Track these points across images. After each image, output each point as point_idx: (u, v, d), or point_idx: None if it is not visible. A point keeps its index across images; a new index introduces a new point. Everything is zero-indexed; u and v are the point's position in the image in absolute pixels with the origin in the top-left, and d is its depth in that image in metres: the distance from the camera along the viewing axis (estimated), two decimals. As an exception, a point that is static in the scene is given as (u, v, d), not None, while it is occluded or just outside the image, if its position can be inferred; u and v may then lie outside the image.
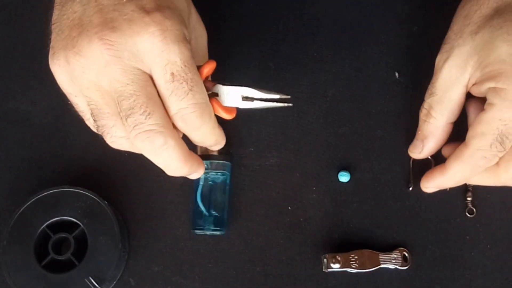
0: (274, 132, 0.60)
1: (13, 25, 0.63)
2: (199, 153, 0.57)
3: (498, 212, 0.58)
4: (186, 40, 0.44)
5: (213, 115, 0.47)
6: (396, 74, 0.61)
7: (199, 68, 0.46)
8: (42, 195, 0.55)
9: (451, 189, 0.57)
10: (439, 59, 0.51)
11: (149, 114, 0.43)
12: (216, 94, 0.49)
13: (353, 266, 0.55)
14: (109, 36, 0.42)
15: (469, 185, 0.58)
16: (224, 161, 0.58)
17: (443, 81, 0.50)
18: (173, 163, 0.46)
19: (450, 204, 0.58)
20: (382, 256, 0.56)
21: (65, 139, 0.60)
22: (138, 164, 0.59)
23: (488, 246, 0.57)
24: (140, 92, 0.43)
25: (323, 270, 0.56)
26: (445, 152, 0.53)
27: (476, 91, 0.49)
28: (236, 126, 0.60)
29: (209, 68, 0.48)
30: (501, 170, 0.49)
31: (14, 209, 0.55)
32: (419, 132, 0.54)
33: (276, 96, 0.49)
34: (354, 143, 0.60)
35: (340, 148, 0.60)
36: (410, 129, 0.59)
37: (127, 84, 0.43)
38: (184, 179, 0.58)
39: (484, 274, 0.56)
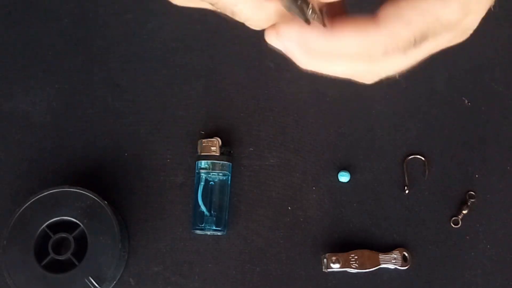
0: (274, 132, 0.60)
1: (13, 25, 0.63)
2: (200, 153, 0.58)
3: (498, 212, 0.58)
4: None
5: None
6: (397, 74, 0.61)
7: None
8: (42, 195, 0.55)
9: (451, 189, 0.57)
10: None
11: None
12: None
13: (353, 266, 0.55)
14: None
15: (468, 199, 0.58)
16: (225, 162, 0.58)
17: None
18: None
19: (450, 204, 0.58)
20: (382, 256, 0.56)
21: (65, 139, 0.60)
22: (138, 164, 0.59)
23: (488, 246, 0.57)
24: None
25: (323, 270, 0.56)
26: None
27: None
28: (236, 126, 0.60)
29: None
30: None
31: (14, 209, 0.55)
32: None
33: None
34: (354, 143, 0.60)
35: (340, 148, 0.60)
36: (410, 129, 0.59)
37: None
38: (184, 179, 0.59)
39: (484, 274, 0.56)
